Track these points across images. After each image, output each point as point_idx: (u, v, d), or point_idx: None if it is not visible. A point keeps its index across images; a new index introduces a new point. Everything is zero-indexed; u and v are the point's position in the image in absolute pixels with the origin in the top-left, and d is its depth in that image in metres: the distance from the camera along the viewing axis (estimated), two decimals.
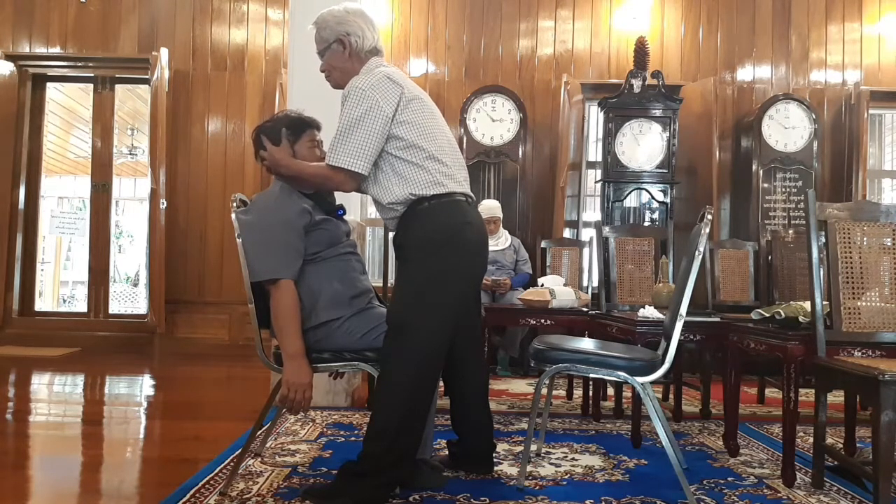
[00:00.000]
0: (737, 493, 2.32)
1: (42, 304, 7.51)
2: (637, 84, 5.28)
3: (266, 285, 2.17)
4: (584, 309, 3.60)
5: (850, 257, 2.40)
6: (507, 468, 2.53)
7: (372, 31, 2.29)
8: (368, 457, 2.10)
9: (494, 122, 5.56)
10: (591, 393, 3.52)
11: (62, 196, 9.35)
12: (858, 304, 2.38)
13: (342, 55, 2.27)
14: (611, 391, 3.85)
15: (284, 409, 2.21)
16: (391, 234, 2.37)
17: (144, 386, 4.41)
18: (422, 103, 2.23)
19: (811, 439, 2.43)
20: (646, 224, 5.42)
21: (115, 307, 7.23)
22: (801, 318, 2.46)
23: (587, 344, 2.58)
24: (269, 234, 2.16)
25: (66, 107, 7.32)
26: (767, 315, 2.57)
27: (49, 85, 6.23)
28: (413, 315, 2.13)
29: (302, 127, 2.32)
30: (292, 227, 2.17)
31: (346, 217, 2.41)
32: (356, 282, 2.29)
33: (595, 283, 4.58)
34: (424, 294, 2.15)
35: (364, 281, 2.34)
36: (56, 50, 5.95)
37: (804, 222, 2.98)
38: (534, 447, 2.71)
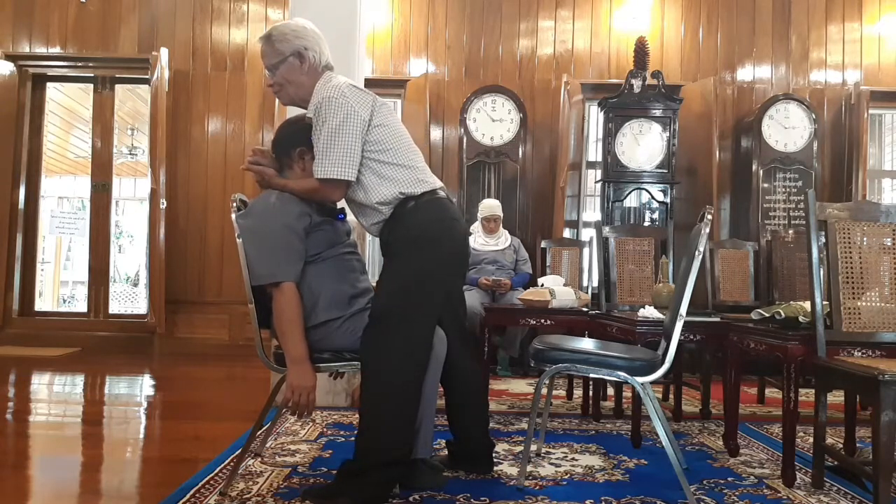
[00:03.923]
0: (737, 493, 2.32)
1: (42, 304, 7.51)
2: (637, 84, 5.28)
3: (269, 288, 2.17)
4: (584, 309, 3.60)
5: (850, 257, 2.40)
6: (507, 468, 2.53)
7: (326, 47, 2.30)
8: (362, 453, 2.11)
9: (494, 122, 5.56)
10: (591, 393, 3.53)
11: (62, 196, 9.34)
12: (858, 304, 2.38)
13: (298, 69, 2.25)
14: (611, 391, 3.85)
15: (286, 411, 2.21)
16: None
17: (144, 386, 4.41)
18: (389, 108, 2.29)
19: (811, 439, 2.43)
20: (646, 224, 5.42)
21: (115, 307, 7.22)
22: (801, 318, 2.46)
23: (587, 344, 2.58)
24: (270, 238, 2.16)
25: (66, 107, 7.32)
26: (767, 315, 2.57)
27: (49, 85, 6.23)
28: (397, 307, 2.15)
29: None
30: (292, 229, 2.17)
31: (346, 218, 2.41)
32: (356, 282, 2.30)
33: (595, 283, 4.58)
34: (411, 288, 2.17)
35: (364, 281, 2.35)
36: (56, 50, 5.95)
37: (804, 222, 2.98)
38: (534, 447, 2.72)
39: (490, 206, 5.02)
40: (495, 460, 2.56)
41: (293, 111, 2.49)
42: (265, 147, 2.41)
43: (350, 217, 2.41)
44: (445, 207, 2.27)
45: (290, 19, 2.32)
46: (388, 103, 2.31)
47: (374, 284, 2.35)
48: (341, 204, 2.39)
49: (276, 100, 5.65)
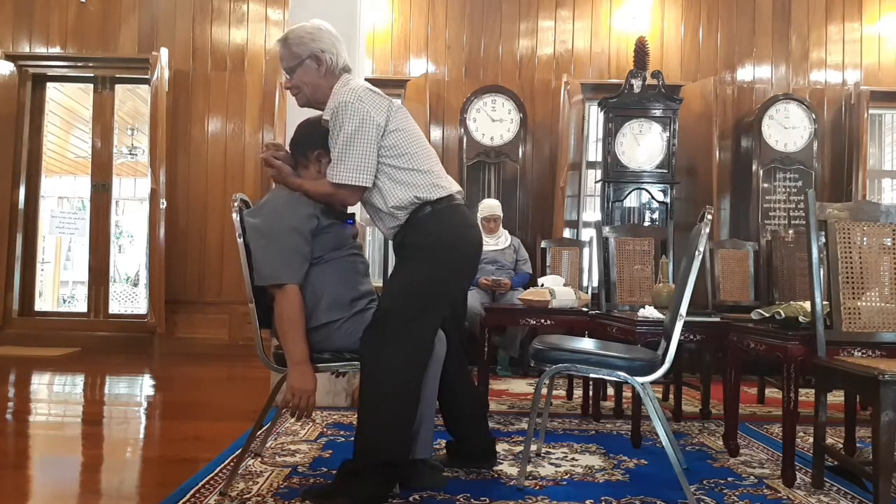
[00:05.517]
0: (737, 493, 2.32)
1: (42, 304, 7.51)
2: (637, 84, 5.28)
3: (271, 289, 2.18)
4: (584, 309, 3.60)
5: (850, 257, 2.40)
6: (507, 468, 2.53)
7: (343, 49, 2.29)
8: (361, 453, 2.11)
9: (494, 122, 5.56)
10: (591, 393, 3.52)
11: (62, 196, 9.34)
12: (858, 304, 2.38)
13: (315, 71, 2.24)
14: (611, 391, 3.85)
15: (286, 412, 2.21)
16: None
17: (144, 386, 4.41)
18: (405, 112, 2.28)
19: (811, 439, 2.43)
20: (646, 224, 5.42)
21: (115, 307, 7.22)
22: (801, 318, 2.46)
23: (587, 344, 2.58)
24: (276, 240, 2.16)
25: (66, 107, 7.32)
26: (767, 315, 2.57)
27: (49, 85, 6.23)
28: (404, 308, 2.15)
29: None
30: (299, 232, 2.17)
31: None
32: (358, 284, 2.30)
33: (595, 283, 4.58)
34: (421, 291, 2.18)
35: (366, 283, 2.35)
36: (56, 50, 5.95)
37: (804, 222, 2.98)
38: (534, 447, 2.71)
39: (490, 206, 5.03)
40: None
41: (296, 111, 2.49)
42: (278, 142, 2.40)
43: (356, 219, 2.40)
44: (462, 214, 2.27)
45: (308, 21, 2.30)
46: (404, 106, 2.30)
47: (377, 285, 2.35)
48: (354, 209, 2.38)
49: (276, 100, 5.71)
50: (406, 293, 2.18)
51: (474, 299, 4.47)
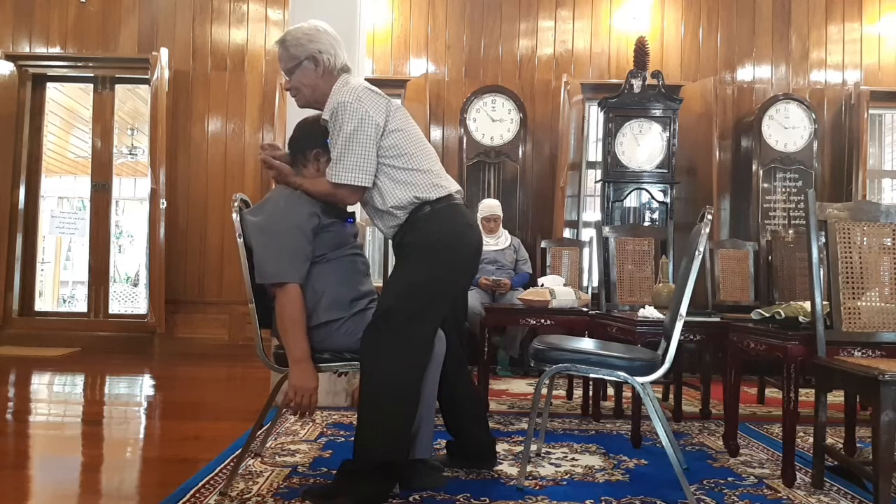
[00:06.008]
0: (737, 493, 2.32)
1: (42, 304, 7.50)
2: (637, 84, 5.28)
3: (272, 288, 2.18)
4: (584, 309, 3.60)
5: (850, 257, 2.40)
6: (507, 468, 2.53)
7: (342, 49, 2.29)
8: (360, 453, 2.11)
9: (494, 122, 5.56)
10: (591, 393, 3.52)
11: (62, 196, 9.34)
12: (858, 304, 2.38)
13: (314, 73, 2.25)
14: (611, 391, 3.85)
15: (286, 411, 2.21)
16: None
17: (144, 386, 4.41)
18: (404, 111, 2.28)
19: (811, 439, 2.43)
20: (646, 224, 5.41)
21: (115, 307, 7.22)
22: (801, 318, 2.46)
23: (587, 344, 2.58)
24: (278, 238, 2.16)
25: (66, 107, 7.32)
26: (767, 315, 2.57)
27: (49, 85, 6.22)
28: (404, 307, 2.15)
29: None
30: (301, 230, 2.17)
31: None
32: (358, 284, 2.30)
33: (595, 283, 4.58)
34: (421, 291, 2.18)
35: (367, 283, 2.35)
36: (56, 50, 5.95)
37: (804, 222, 2.98)
38: (534, 447, 2.71)
39: (490, 205, 5.03)
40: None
41: (296, 111, 2.49)
42: (275, 142, 2.41)
43: (357, 219, 2.40)
44: (461, 214, 2.27)
45: (306, 21, 2.30)
46: (403, 106, 2.31)
47: (377, 285, 2.35)
48: (353, 208, 2.38)
49: (276, 100, 5.70)
50: (406, 293, 2.18)
51: (474, 299, 4.47)
